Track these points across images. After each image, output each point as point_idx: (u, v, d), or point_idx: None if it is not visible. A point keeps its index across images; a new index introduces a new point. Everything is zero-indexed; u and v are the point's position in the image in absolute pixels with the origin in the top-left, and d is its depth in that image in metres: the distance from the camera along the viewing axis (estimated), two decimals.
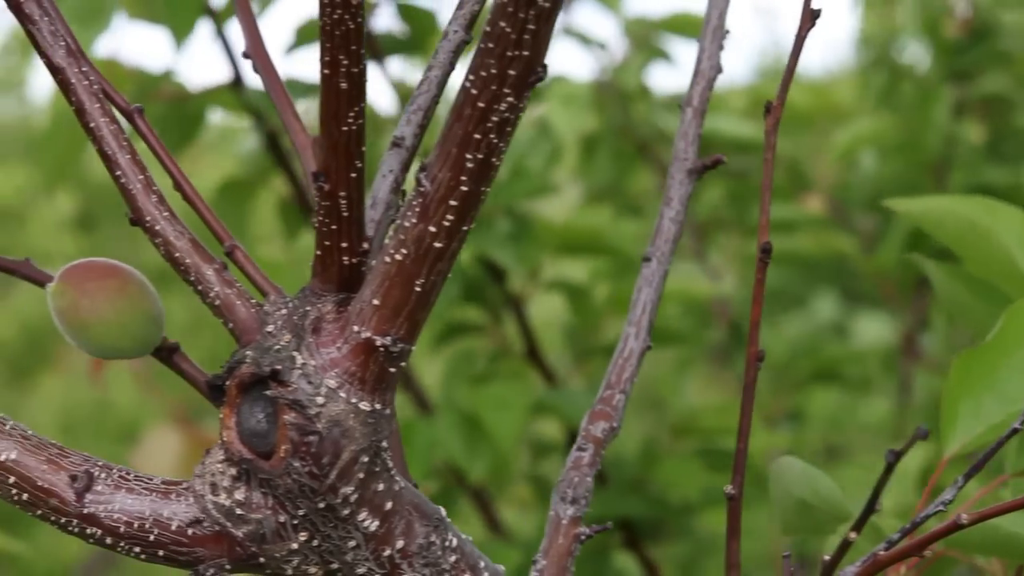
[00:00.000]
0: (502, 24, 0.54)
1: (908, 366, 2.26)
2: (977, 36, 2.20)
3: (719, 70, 0.75)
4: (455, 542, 0.64)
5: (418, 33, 1.56)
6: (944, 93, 2.20)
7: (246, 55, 0.72)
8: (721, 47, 0.76)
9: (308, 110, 1.54)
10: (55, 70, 0.64)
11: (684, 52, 2.46)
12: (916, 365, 2.26)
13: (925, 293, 2.24)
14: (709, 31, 0.76)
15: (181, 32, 1.40)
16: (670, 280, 1.85)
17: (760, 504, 1.96)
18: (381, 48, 1.56)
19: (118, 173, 0.64)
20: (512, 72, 0.55)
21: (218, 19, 1.52)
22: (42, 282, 0.69)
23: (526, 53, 0.55)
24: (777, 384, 2.30)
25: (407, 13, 1.56)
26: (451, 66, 0.68)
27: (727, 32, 0.76)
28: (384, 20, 1.63)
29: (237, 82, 1.54)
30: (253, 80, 1.57)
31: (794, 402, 2.24)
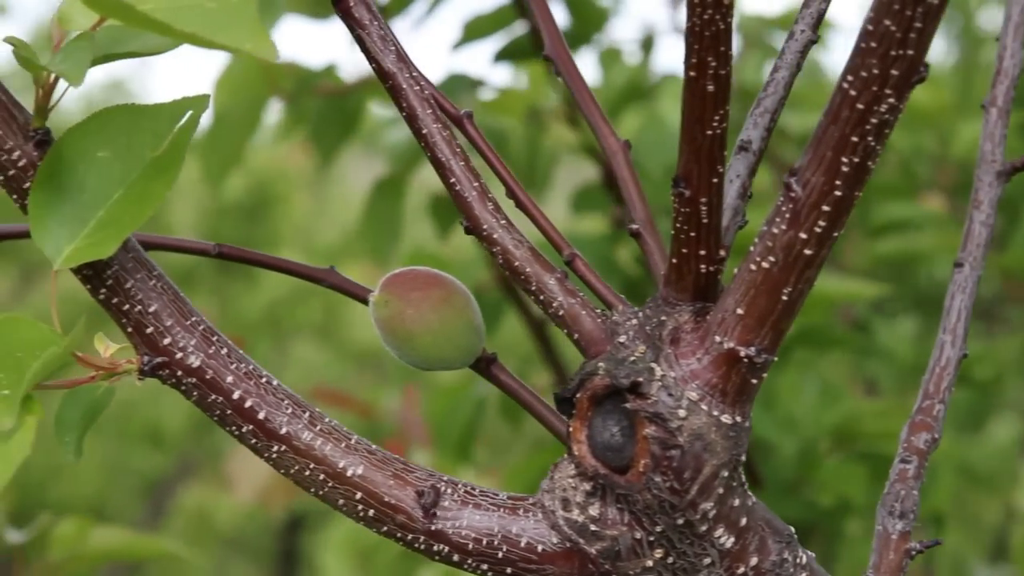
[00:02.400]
0: (887, 22, 0.52)
1: None
2: None
3: (1022, 68, 0.73)
4: (804, 559, 0.62)
5: (584, 27, 1.54)
6: None
7: (546, 57, 0.70)
8: None
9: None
10: (385, 76, 0.62)
11: None
12: None
13: None
14: (1011, 28, 0.74)
15: None
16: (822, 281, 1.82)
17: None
18: None
19: (452, 180, 0.62)
20: (895, 72, 0.53)
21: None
22: (349, 291, 0.67)
23: (910, 52, 0.53)
24: (902, 384, 2.27)
25: (575, 7, 1.54)
26: (798, 67, 0.66)
27: None
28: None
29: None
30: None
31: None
